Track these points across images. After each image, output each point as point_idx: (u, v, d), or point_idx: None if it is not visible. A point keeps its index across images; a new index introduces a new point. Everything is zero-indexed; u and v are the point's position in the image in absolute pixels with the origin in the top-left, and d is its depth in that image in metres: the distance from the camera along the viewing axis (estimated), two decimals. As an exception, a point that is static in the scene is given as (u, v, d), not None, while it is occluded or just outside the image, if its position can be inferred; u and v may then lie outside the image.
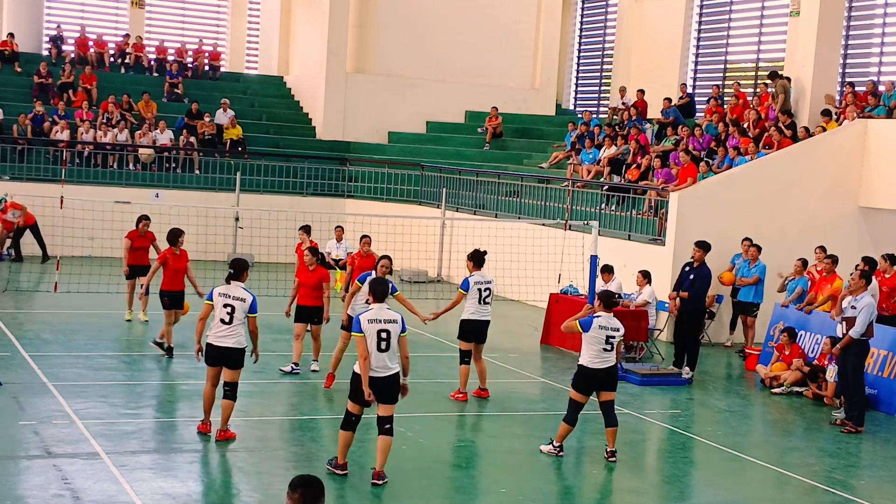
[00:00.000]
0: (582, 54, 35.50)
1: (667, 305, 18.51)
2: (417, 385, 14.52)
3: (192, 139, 29.15)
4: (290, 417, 13.63)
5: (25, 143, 27.36)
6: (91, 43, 32.68)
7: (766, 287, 19.22)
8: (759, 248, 19.21)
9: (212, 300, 11.68)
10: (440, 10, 32.40)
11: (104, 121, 28.79)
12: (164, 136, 28.87)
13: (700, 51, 30.31)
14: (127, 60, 33.07)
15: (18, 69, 31.04)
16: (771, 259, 19.31)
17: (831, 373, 15.27)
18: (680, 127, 24.99)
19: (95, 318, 18.86)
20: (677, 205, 20.20)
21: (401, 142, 31.55)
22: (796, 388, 16.24)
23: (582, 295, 18.98)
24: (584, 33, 35.40)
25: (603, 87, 34.25)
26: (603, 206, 23.15)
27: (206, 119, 29.70)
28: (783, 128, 22.47)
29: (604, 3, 34.24)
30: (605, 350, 11.76)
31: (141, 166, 28.16)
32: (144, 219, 18.43)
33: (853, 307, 14.06)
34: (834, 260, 17.74)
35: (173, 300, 15.89)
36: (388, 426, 10.46)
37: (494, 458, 11.94)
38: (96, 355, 15.60)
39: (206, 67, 33.87)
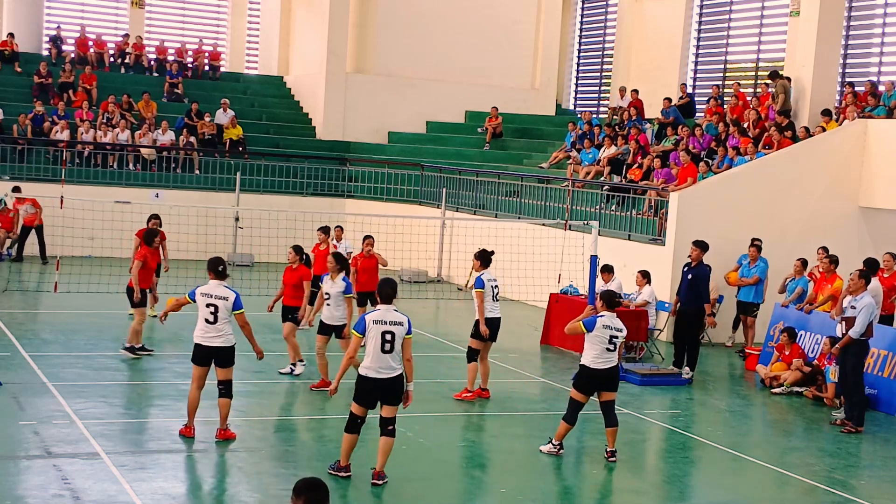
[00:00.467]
0: (582, 54, 35.51)
1: (666, 305, 18.52)
2: (417, 385, 14.50)
3: (193, 139, 29.16)
4: (289, 417, 13.64)
5: (25, 143, 27.36)
6: (91, 43, 32.69)
7: (767, 286, 19.19)
8: (758, 248, 19.21)
9: (194, 299, 11.65)
10: (440, 10, 32.40)
11: (104, 121, 28.79)
12: (166, 137, 28.87)
13: (700, 51, 30.31)
14: (127, 60, 33.08)
15: (18, 69, 31.05)
16: (771, 259, 19.29)
17: (833, 373, 15.25)
18: (680, 127, 25.00)
19: (95, 318, 18.87)
20: (677, 205, 20.20)
21: (401, 142, 31.55)
22: (796, 388, 16.24)
23: (582, 295, 18.98)
24: (584, 33, 35.41)
25: (603, 87, 34.25)
26: (603, 205, 23.15)
27: (207, 119, 29.71)
28: (782, 127, 22.48)
29: (604, 3, 34.24)
30: (608, 350, 11.76)
31: (141, 166, 28.17)
32: (154, 218, 18.72)
33: (853, 307, 14.06)
34: (833, 259, 17.74)
35: (145, 296, 15.90)
36: (390, 427, 10.45)
37: (494, 458, 11.93)
38: (96, 355, 15.60)
39: (206, 67, 33.88)
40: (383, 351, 10.27)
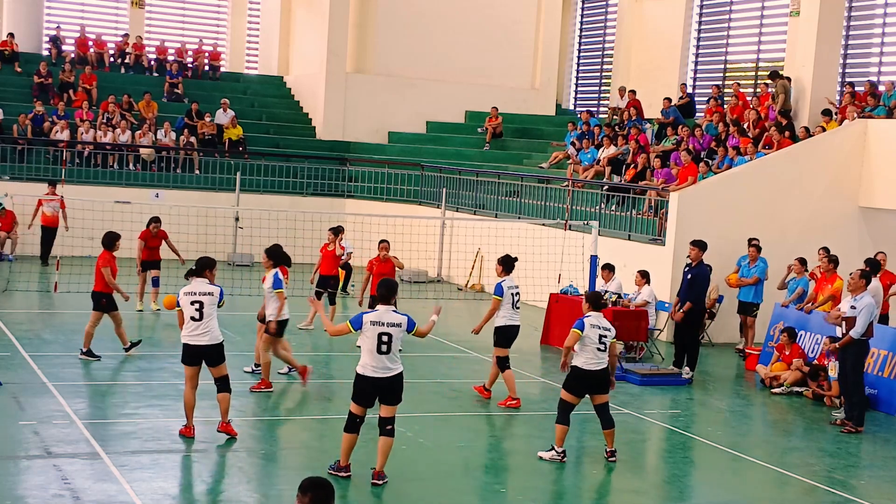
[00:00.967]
0: (582, 54, 35.51)
1: (667, 305, 18.52)
2: (417, 385, 14.54)
3: (193, 139, 29.16)
4: (289, 417, 13.64)
5: (25, 143, 27.36)
6: (91, 43, 32.69)
7: (767, 286, 19.19)
8: (758, 248, 19.20)
9: (180, 306, 11.66)
10: (440, 10, 32.41)
11: (104, 121, 28.79)
12: (168, 138, 28.89)
13: (700, 51, 30.31)
14: (127, 60, 33.08)
15: (18, 69, 31.06)
16: (771, 259, 19.29)
17: (833, 369, 15.25)
18: (680, 127, 25.00)
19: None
20: (677, 205, 20.20)
21: (401, 142, 31.55)
22: (796, 388, 16.24)
23: (582, 295, 18.97)
24: (584, 33, 35.40)
25: (603, 87, 34.25)
26: (603, 206, 23.15)
27: (207, 119, 29.71)
28: (783, 127, 22.48)
29: (604, 3, 34.24)
30: (598, 350, 11.71)
31: (141, 166, 28.17)
32: (155, 221, 19.33)
33: (853, 307, 14.06)
34: (832, 260, 17.73)
35: (111, 302, 15.57)
36: (389, 427, 10.45)
37: (494, 458, 11.93)
38: (100, 357, 15.57)
39: (206, 67, 33.89)
40: (379, 352, 10.24)
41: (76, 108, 29.17)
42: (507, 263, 14.38)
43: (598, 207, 22.98)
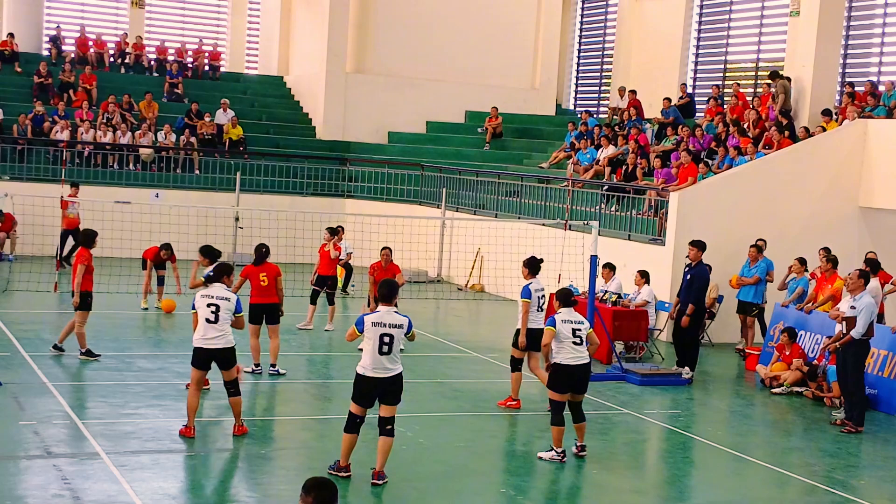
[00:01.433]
0: (582, 54, 35.50)
1: (667, 305, 18.52)
2: (417, 385, 14.53)
3: (193, 139, 29.17)
4: (289, 417, 13.63)
5: (25, 143, 27.37)
6: (91, 43, 32.69)
7: (771, 286, 19.15)
8: (758, 248, 19.20)
9: (196, 309, 11.69)
10: (440, 10, 32.41)
11: (104, 121, 28.80)
12: (168, 140, 28.90)
13: (700, 51, 30.30)
14: (127, 60, 33.09)
15: (18, 69, 31.06)
16: (770, 259, 19.28)
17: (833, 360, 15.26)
18: (680, 127, 25.00)
19: (95, 318, 18.82)
20: (677, 205, 20.20)
21: (401, 142, 31.56)
22: (796, 388, 16.24)
23: (582, 294, 18.97)
24: (584, 33, 35.40)
25: (603, 87, 34.25)
26: (603, 205, 23.14)
27: (207, 119, 29.72)
28: (783, 127, 22.48)
29: (604, 3, 34.24)
30: (575, 344, 11.67)
31: (141, 166, 28.18)
32: (166, 248, 19.47)
33: (853, 307, 14.05)
34: (831, 259, 17.74)
35: (88, 300, 15.43)
36: (389, 427, 10.46)
37: (494, 458, 11.93)
38: (100, 356, 15.57)
39: (206, 67, 33.89)
40: (380, 353, 10.26)
41: (76, 108, 29.17)
42: (532, 266, 14.16)
43: (598, 207, 22.98)
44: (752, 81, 28.09)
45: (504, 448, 12.62)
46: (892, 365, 15.52)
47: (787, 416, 15.16)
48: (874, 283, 15.95)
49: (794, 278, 18.47)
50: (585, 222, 19.40)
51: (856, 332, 13.94)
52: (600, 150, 25.85)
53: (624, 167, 24.37)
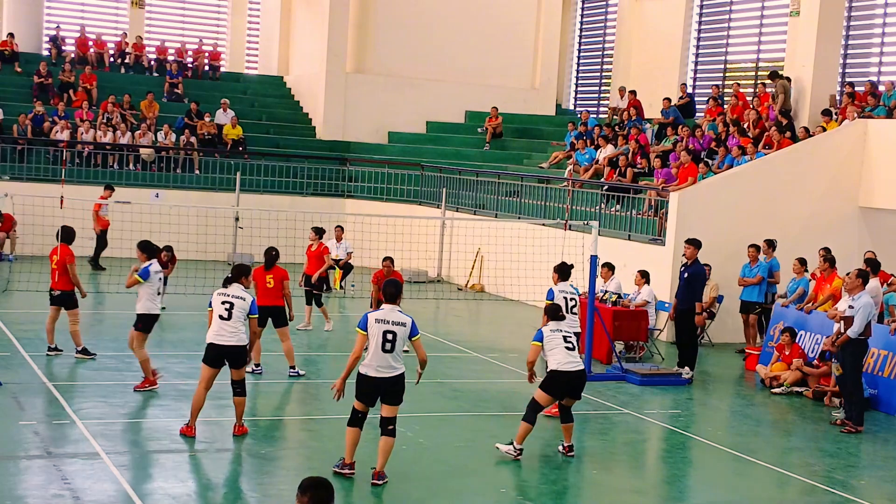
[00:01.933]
0: (582, 54, 35.50)
1: (667, 305, 18.52)
2: (417, 385, 14.51)
3: (193, 139, 29.17)
4: (288, 417, 13.64)
5: (25, 143, 27.37)
6: (91, 43, 32.69)
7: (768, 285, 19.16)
8: (757, 248, 19.19)
9: (211, 305, 11.77)
10: (440, 10, 32.41)
11: (104, 121, 28.80)
12: (168, 140, 28.90)
13: (700, 51, 30.30)
14: (127, 60, 33.09)
15: (18, 69, 31.06)
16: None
17: (838, 368, 15.24)
18: (680, 127, 25.00)
19: (96, 318, 18.86)
20: (677, 205, 20.20)
21: (401, 142, 31.56)
22: (796, 388, 16.24)
23: (582, 294, 18.97)
24: (584, 33, 35.39)
25: (603, 87, 34.25)
26: (603, 206, 23.14)
27: (207, 119, 29.72)
28: (783, 127, 22.47)
29: (604, 3, 34.24)
30: (567, 349, 11.65)
31: (141, 166, 28.18)
32: (167, 250, 18.88)
33: (851, 307, 14.06)
34: (828, 258, 17.75)
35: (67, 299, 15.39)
36: (390, 427, 10.47)
37: (494, 458, 11.92)
38: (96, 355, 15.57)
39: (206, 67, 33.88)
40: (384, 350, 10.30)
41: (76, 108, 29.17)
42: (563, 271, 14.15)
43: (598, 207, 22.98)
44: (752, 81, 28.08)
45: (504, 448, 12.60)
46: (892, 365, 15.52)
47: (787, 416, 15.16)
48: (874, 282, 15.95)
49: (793, 278, 18.48)
50: (585, 222, 19.40)
51: (853, 331, 13.94)
52: (599, 150, 25.85)
53: (616, 169, 24.37)
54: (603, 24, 34.45)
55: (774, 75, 24.46)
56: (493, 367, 16.78)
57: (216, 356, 11.65)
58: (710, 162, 22.54)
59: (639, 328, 17.91)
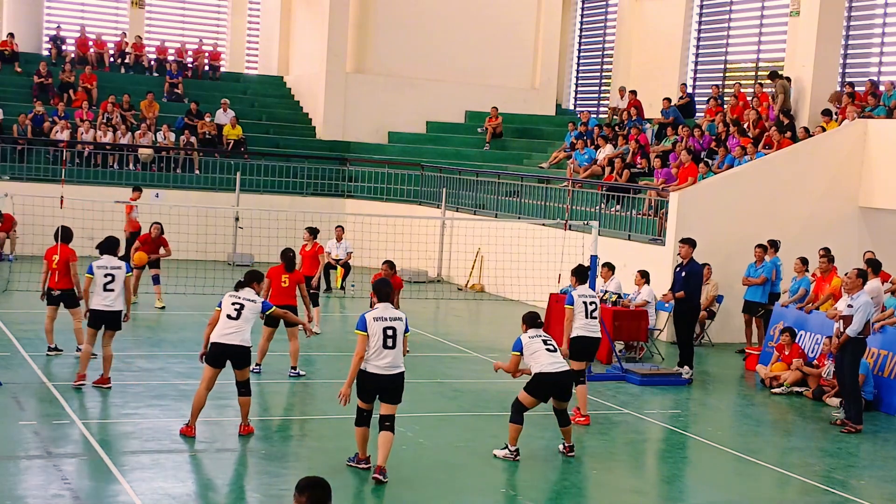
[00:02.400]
0: (582, 54, 35.50)
1: (666, 305, 18.52)
2: (417, 385, 14.53)
3: (193, 139, 29.17)
4: (289, 417, 13.64)
5: (25, 143, 27.37)
6: (91, 43, 32.69)
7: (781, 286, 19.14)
8: (764, 248, 19.18)
9: (220, 306, 11.79)
10: (440, 10, 32.41)
11: (104, 121, 28.80)
12: (167, 140, 28.90)
13: (700, 51, 30.31)
14: (127, 60, 33.09)
15: (18, 69, 31.06)
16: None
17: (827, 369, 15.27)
18: (680, 127, 25.00)
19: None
20: (677, 205, 20.20)
21: (401, 142, 31.56)
22: (796, 388, 16.24)
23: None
24: (584, 33, 35.40)
25: (603, 87, 34.25)
26: (603, 206, 23.14)
27: (207, 119, 29.72)
28: (783, 127, 22.47)
29: (604, 3, 34.24)
30: (549, 351, 11.62)
31: (141, 166, 28.19)
32: (155, 225, 19.93)
33: (850, 306, 14.06)
34: (826, 257, 17.73)
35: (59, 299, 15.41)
36: (388, 423, 10.56)
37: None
38: (97, 354, 15.57)
39: (206, 67, 33.89)
40: (385, 346, 10.41)
41: (76, 108, 29.17)
42: (581, 274, 14.00)
43: (598, 207, 22.98)
44: (752, 81, 28.09)
45: (504, 448, 12.60)
46: (893, 365, 15.52)
47: (787, 416, 15.16)
48: (875, 282, 15.95)
49: (794, 278, 18.48)
50: (585, 222, 19.42)
51: (852, 330, 13.94)
52: (599, 150, 25.84)
53: (613, 169, 24.38)
54: (603, 24, 34.46)
55: (774, 75, 24.46)
56: (492, 367, 16.76)
57: (219, 355, 11.65)
58: (710, 162, 22.54)
59: (639, 328, 17.90)
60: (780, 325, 17.54)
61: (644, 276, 18.62)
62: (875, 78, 24.31)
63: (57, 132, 27.88)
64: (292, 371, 15.13)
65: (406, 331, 10.66)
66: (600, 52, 34.56)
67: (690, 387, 16.37)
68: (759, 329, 19.20)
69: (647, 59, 31.28)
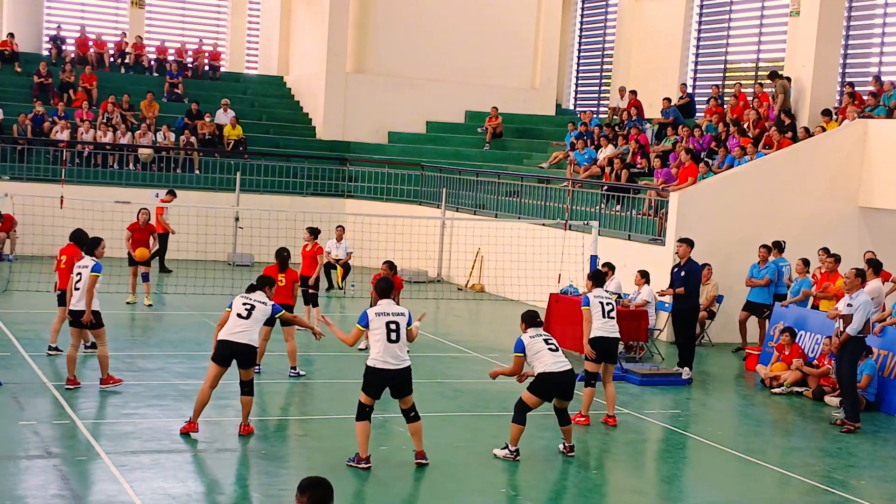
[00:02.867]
0: (582, 54, 35.51)
1: (666, 305, 18.51)
2: (418, 385, 14.50)
3: (193, 139, 29.17)
4: (289, 417, 13.64)
5: (25, 143, 27.37)
6: (91, 43, 32.69)
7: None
8: (768, 249, 19.15)
9: (231, 307, 11.85)
10: (440, 10, 32.42)
11: (104, 121, 28.80)
12: (166, 140, 28.90)
13: (700, 51, 30.31)
14: (127, 60, 33.09)
15: (18, 69, 31.07)
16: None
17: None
18: (680, 127, 25.00)
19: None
20: (677, 205, 20.20)
21: (401, 142, 31.56)
22: (796, 388, 16.24)
23: (581, 294, 18.97)
24: (584, 33, 35.40)
25: (603, 87, 34.25)
26: (603, 206, 23.14)
27: (207, 119, 29.72)
28: (783, 127, 22.47)
29: (604, 3, 34.24)
30: (551, 351, 11.63)
31: (141, 166, 28.19)
32: (143, 210, 20.23)
33: (849, 305, 14.06)
34: (832, 256, 17.72)
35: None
36: (412, 414, 10.90)
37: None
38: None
39: (206, 67, 33.89)
40: (389, 340, 10.55)
41: (76, 108, 29.17)
42: (597, 277, 14.08)
43: (597, 207, 22.98)
44: (753, 81, 28.09)
45: (504, 448, 12.59)
46: (893, 365, 15.52)
47: (787, 416, 15.16)
48: (876, 282, 15.95)
49: (795, 279, 18.47)
50: (585, 222, 19.44)
51: (852, 329, 13.94)
52: (599, 150, 25.84)
53: (613, 169, 24.38)
54: (603, 24, 34.46)
55: (774, 75, 24.46)
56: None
57: (226, 354, 11.66)
58: (710, 162, 22.53)
59: (639, 328, 17.88)
60: (780, 325, 17.54)
61: (644, 276, 18.61)
62: (877, 76, 24.32)
63: (57, 132, 27.88)
64: (292, 371, 15.15)
65: (409, 323, 10.81)
66: (600, 52, 34.56)
67: (690, 387, 16.37)
68: (762, 329, 19.19)
69: (647, 59, 31.29)
